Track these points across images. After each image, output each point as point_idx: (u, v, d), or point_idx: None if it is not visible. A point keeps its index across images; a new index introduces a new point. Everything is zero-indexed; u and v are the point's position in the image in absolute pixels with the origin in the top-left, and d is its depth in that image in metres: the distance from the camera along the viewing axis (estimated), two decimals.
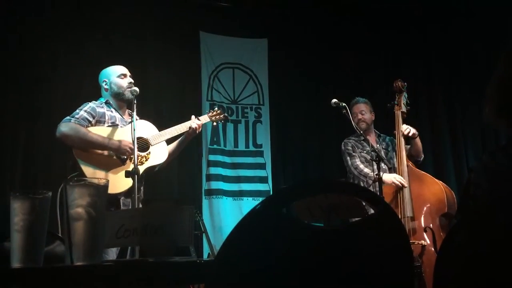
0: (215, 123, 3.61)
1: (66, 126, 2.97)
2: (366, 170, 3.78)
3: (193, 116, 3.35)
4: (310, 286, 0.93)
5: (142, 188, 3.16)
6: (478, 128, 5.30)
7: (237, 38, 5.39)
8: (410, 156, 3.83)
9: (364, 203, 2.73)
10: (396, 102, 3.79)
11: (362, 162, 3.87)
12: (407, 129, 3.66)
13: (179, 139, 3.32)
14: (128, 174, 2.75)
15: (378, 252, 0.99)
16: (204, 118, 3.46)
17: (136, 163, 2.76)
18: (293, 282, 0.92)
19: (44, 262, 1.12)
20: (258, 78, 5.41)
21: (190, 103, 5.00)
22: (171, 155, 3.32)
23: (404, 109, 3.76)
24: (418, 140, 3.78)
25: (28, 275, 1.04)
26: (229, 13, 5.29)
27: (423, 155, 3.90)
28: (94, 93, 4.24)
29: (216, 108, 3.67)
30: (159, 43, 5.01)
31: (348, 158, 3.93)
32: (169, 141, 3.33)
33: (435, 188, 3.46)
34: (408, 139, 3.78)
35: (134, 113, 2.92)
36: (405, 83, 3.83)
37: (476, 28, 5.17)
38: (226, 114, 3.75)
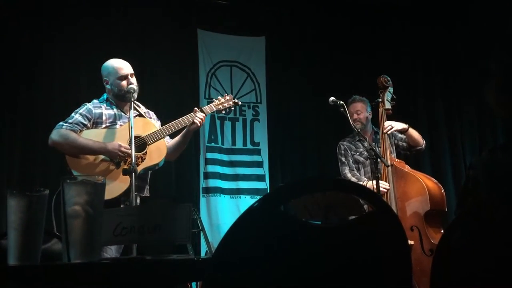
0: (223, 111, 3.33)
1: (56, 134, 2.92)
2: (353, 179, 3.79)
3: (195, 109, 3.13)
4: (308, 284, 0.93)
5: (147, 187, 3.11)
6: (476, 127, 5.32)
7: (235, 36, 5.38)
8: (409, 146, 3.82)
9: (361, 201, 2.73)
10: (379, 100, 3.79)
11: (351, 168, 3.89)
12: (388, 127, 3.65)
13: (182, 133, 3.15)
14: (125, 172, 2.67)
15: (376, 250, 0.99)
16: (209, 109, 3.21)
17: (134, 161, 2.66)
18: (290, 280, 0.92)
19: (41, 260, 1.12)
20: (256, 76, 5.40)
21: (188, 101, 4.99)
22: (177, 149, 3.20)
23: (388, 105, 3.73)
24: (411, 132, 3.75)
25: (25, 272, 1.04)
26: (227, 11, 5.28)
27: (423, 142, 3.84)
28: (92, 92, 4.25)
29: (226, 95, 3.36)
30: (157, 40, 5.00)
31: (339, 163, 3.95)
32: (173, 135, 3.21)
33: (417, 186, 3.44)
34: (401, 132, 3.78)
35: (131, 111, 2.85)
36: (389, 79, 3.80)
37: (474, 27, 5.17)
38: (236, 100, 3.35)
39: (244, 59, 5.39)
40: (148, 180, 3.13)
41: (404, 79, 5.00)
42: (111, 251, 2.78)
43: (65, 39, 4.60)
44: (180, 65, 5.10)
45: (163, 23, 5.02)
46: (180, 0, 5.12)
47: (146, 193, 3.10)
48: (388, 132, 3.66)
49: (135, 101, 3.16)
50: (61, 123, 2.96)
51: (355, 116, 3.88)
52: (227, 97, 3.30)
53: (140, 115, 3.15)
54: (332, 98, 3.55)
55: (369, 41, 5.49)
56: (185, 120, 3.08)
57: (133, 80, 3.10)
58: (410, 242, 3.33)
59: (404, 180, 3.52)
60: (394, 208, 3.46)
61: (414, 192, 3.45)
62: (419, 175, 3.53)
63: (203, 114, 3.11)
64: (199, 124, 3.08)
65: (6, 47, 4.40)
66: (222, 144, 5.16)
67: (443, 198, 3.46)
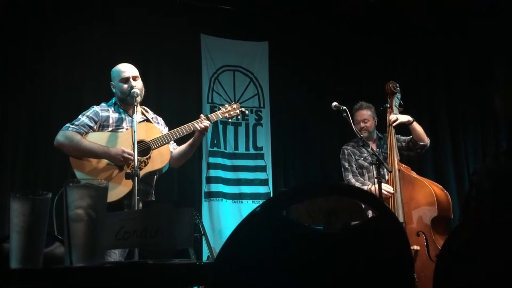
0: (230, 120, 3.28)
1: (62, 135, 2.93)
2: (357, 184, 3.79)
3: (202, 115, 3.09)
4: None
5: (153, 191, 3.10)
6: (479, 133, 5.30)
7: (238, 40, 5.40)
8: (414, 143, 3.81)
9: (364, 206, 2.73)
10: (387, 105, 3.79)
11: (355, 173, 3.88)
12: (393, 118, 3.65)
13: (189, 142, 3.12)
14: (128, 176, 2.66)
15: (378, 255, 0.98)
16: (216, 116, 3.17)
17: (136, 165, 2.65)
18: (292, 285, 0.92)
19: (44, 263, 1.12)
20: (258, 81, 5.41)
21: (191, 105, 5.01)
22: (183, 157, 3.16)
23: (396, 111, 3.74)
24: (415, 125, 3.74)
25: (27, 276, 1.04)
26: (230, 16, 5.30)
27: (427, 139, 3.82)
28: (95, 94, 4.27)
29: (233, 103, 3.30)
30: (160, 45, 5.01)
31: (342, 169, 3.94)
32: (180, 142, 3.19)
33: (425, 192, 3.44)
34: (405, 126, 3.77)
35: (135, 115, 2.82)
36: (397, 85, 3.81)
37: (477, 31, 5.17)
38: (243, 109, 3.29)
39: (247, 63, 5.41)
40: (154, 185, 3.12)
41: (407, 86, 4.99)
42: (115, 255, 2.77)
43: (68, 42, 4.62)
44: (183, 70, 5.12)
45: (166, 27, 5.04)
46: (184, 5, 5.14)
47: (152, 198, 3.08)
48: (394, 125, 3.66)
49: (144, 107, 3.19)
50: (67, 124, 2.97)
51: (362, 124, 3.87)
52: (234, 105, 3.25)
53: (148, 120, 3.14)
54: (335, 103, 3.54)
55: (372, 48, 5.49)
56: (190, 126, 3.04)
57: (136, 83, 3.07)
58: (416, 247, 3.32)
59: (411, 186, 3.52)
60: (400, 213, 3.45)
61: (422, 198, 3.44)
62: (427, 181, 3.53)
63: (209, 122, 3.07)
64: (200, 130, 3.03)
65: (10, 49, 4.42)
66: (225, 148, 5.17)
67: (450, 204, 3.47)
